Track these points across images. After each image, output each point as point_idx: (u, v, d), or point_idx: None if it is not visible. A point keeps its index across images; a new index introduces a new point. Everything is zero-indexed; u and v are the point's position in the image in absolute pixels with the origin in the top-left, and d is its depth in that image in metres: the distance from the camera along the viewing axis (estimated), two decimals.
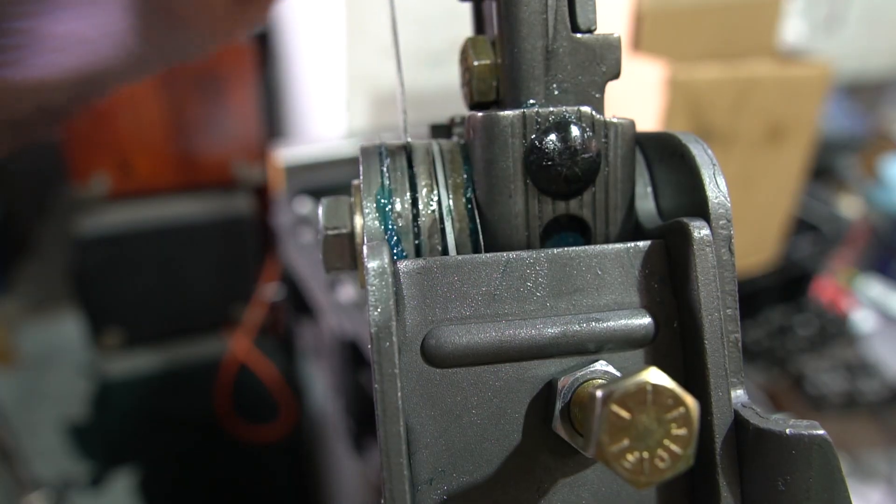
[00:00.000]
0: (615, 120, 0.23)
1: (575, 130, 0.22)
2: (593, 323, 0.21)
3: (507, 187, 0.22)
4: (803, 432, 0.18)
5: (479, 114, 0.23)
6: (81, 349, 1.48)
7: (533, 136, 0.22)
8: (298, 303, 1.15)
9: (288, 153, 1.18)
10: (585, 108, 0.22)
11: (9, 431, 1.27)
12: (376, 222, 0.23)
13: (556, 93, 0.23)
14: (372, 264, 0.19)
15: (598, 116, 0.22)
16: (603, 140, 0.22)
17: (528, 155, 0.22)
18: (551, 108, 0.22)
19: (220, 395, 1.36)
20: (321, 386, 1.15)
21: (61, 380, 1.60)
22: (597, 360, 0.21)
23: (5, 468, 1.22)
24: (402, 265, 0.21)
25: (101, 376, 1.38)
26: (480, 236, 0.23)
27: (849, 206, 1.63)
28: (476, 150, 0.23)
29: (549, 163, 0.22)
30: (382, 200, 0.23)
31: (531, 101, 0.23)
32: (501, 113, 0.22)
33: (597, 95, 0.23)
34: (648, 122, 0.96)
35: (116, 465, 1.39)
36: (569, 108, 0.22)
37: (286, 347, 1.41)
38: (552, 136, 0.22)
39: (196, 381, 1.40)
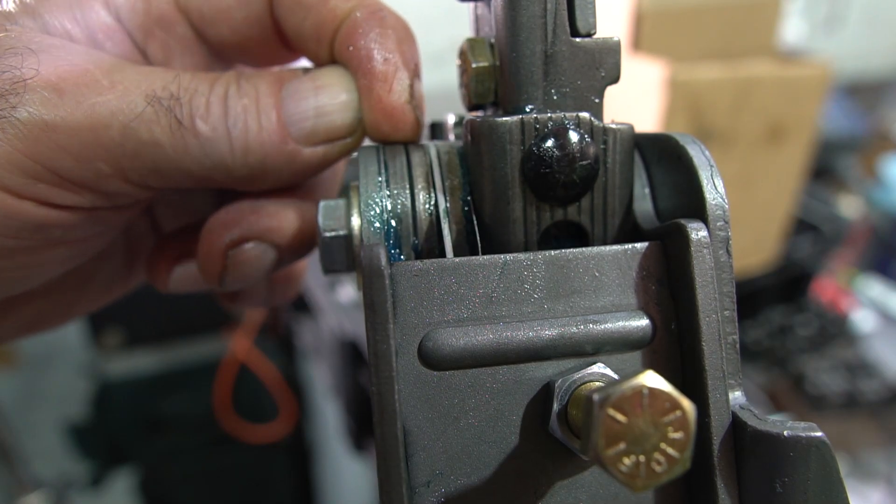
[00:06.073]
0: (614, 126, 0.23)
1: (573, 137, 0.22)
2: (591, 325, 0.21)
3: (505, 194, 0.22)
4: (801, 434, 0.18)
5: (478, 119, 0.22)
6: (81, 349, 1.48)
7: (531, 143, 0.22)
8: (298, 303, 1.15)
9: None
10: (584, 114, 0.22)
11: (9, 431, 1.27)
12: (374, 224, 0.23)
13: (554, 97, 0.22)
14: (369, 266, 0.19)
15: (596, 122, 0.22)
16: (601, 146, 0.22)
17: (526, 162, 0.22)
18: (550, 114, 0.22)
19: (219, 395, 1.35)
20: (321, 386, 1.15)
21: (61, 380, 1.60)
22: (594, 363, 0.21)
23: (5, 468, 1.22)
24: (400, 267, 0.21)
25: (101, 376, 1.38)
26: (478, 238, 0.23)
27: (849, 206, 1.63)
28: (474, 156, 0.23)
29: (547, 170, 0.22)
30: (380, 202, 0.23)
31: (530, 107, 0.22)
32: (500, 119, 0.22)
33: (596, 100, 0.23)
34: (648, 122, 0.96)
35: (116, 465, 1.39)
36: (567, 115, 0.22)
37: (286, 347, 1.41)
38: (550, 143, 0.22)
39: (196, 381, 1.39)
